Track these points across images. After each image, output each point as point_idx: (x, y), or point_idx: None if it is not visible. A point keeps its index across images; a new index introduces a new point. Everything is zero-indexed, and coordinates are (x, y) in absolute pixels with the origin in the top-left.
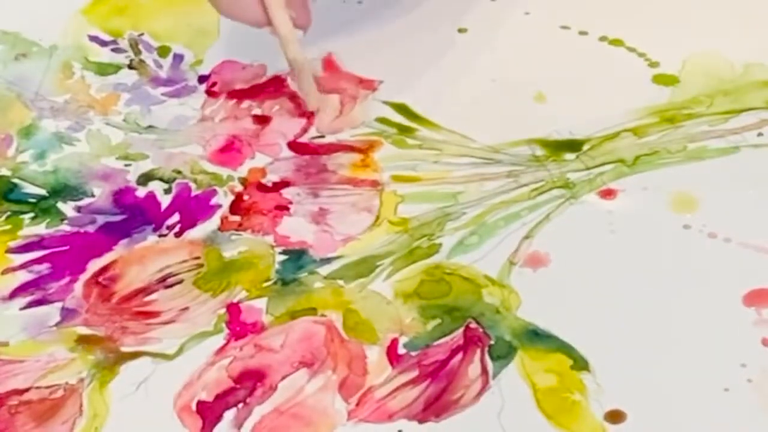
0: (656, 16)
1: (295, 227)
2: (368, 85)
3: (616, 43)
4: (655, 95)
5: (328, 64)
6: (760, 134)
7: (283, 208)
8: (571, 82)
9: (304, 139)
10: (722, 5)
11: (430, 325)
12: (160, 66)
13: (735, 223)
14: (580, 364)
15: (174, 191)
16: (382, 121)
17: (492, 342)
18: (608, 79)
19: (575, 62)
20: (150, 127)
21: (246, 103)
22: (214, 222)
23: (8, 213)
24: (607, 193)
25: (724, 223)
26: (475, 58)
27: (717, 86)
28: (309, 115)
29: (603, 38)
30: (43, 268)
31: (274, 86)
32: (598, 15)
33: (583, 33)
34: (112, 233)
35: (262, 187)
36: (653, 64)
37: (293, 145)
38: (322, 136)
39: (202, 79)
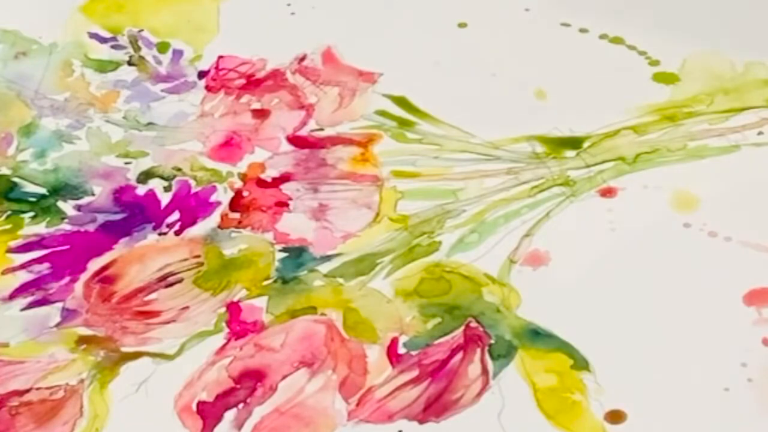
0: (657, 15)
1: (295, 224)
2: (368, 77)
3: (617, 41)
4: (656, 93)
5: (328, 56)
6: (760, 133)
7: (282, 204)
8: (572, 80)
9: (303, 132)
10: (722, 4)
11: (430, 323)
12: (159, 62)
13: (735, 221)
14: (580, 364)
15: (174, 189)
16: (382, 113)
17: (492, 341)
18: (608, 76)
19: (576, 59)
20: (150, 124)
21: (245, 98)
22: (213, 219)
23: (8, 212)
24: (608, 191)
25: (725, 222)
26: (475, 54)
27: (717, 84)
28: (308, 108)
29: (603, 36)
30: (44, 268)
31: (274, 80)
32: (598, 13)
33: (583, 30)
34: (113, 232)
35: (261, 183)
36: (654, 63)
37: (292, 139)
38: (322, 129)
39: (201, 74)
